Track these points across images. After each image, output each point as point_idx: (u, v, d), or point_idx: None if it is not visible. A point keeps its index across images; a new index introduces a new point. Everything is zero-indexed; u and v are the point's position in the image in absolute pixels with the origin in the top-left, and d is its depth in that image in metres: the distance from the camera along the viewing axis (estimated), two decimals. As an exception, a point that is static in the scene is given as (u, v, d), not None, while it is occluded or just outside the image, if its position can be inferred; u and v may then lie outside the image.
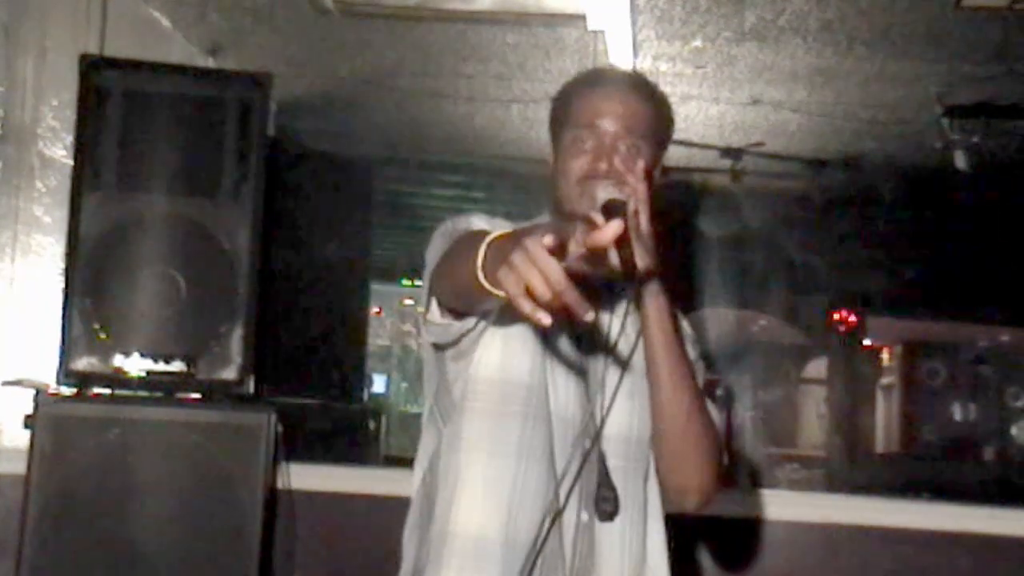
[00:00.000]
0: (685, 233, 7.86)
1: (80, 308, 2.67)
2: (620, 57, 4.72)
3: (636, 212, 1.73)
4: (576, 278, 1.52)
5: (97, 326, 2.67)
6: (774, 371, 9.20)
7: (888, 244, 7.76)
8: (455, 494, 1.78)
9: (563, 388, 1.81)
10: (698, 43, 5.07)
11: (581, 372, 1.83)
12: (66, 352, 2.67)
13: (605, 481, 1.79)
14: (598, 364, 1.84)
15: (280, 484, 2.91)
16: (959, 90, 5.68)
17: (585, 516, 1.79)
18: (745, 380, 8.85)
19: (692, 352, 1.90)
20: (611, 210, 1.71)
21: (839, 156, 7.08)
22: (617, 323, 1.84)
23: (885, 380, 8.22)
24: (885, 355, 8.29)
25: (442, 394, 1.84)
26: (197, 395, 2.75)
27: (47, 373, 2.72)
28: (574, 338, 1.83)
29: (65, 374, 2.67)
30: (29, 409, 2.64)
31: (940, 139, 6.07)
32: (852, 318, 8.30)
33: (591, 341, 1.85)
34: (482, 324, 1.76)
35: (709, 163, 7.12)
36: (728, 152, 6.93)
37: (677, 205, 7.63)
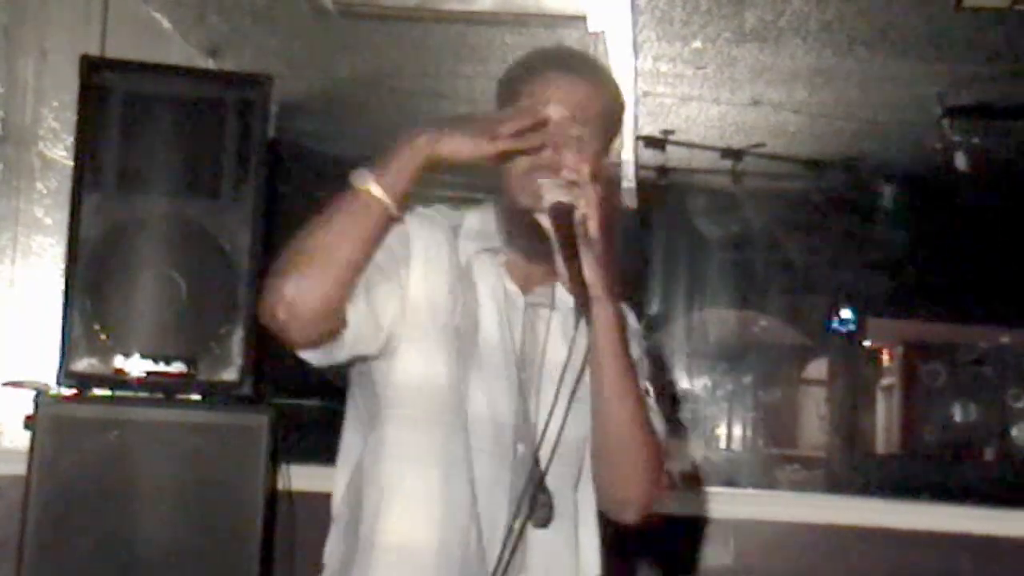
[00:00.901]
0: (686, 234, 7.87)
1: (80, 309, 2.67)
2: (620, 58, 4.72)
3: (584, 217, 1.67)
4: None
5: (97, 327, 2.67)
6: (774, 372, 9.21)
7: (888, 245, 7.77)
8: (381, 504, 1.72)
9: (494, 391, 1.74)
10: (698, 44, 5.07)
11: (515, 375, 1.76)
12: (66, 353, 2.67)
13: (541, 487, 1.72)
14: (535, 364, 1.77)
15: (280, 485, 2.91)
16: (959, 91, 5.68)
17: (517, 523, 1.71)
18: (746, 381, 8.86)
19: (636, 350, 1.82)
20: (559, 214, 1.67)
21: (839, 157, 7.08)
22: (557, 324, 1.79)
23: (885, 381, 8.23)
24: (885, 356, 8.30)
25: (367, 399, 1.78)
26: (197, 396, 2.74)
27: (47, 374, 2.72)
28: (509, 337, 1.76)
29: (65, 375, 2.67)
30: (30, 410, 2.64)
31: (940, 140, 6.07)
32: (852, 319, 8.30)
33: (528, 342, 1.78)
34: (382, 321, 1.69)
35: (709, 164, 7.13)
36: (728, 153, 6.94)
37: (677, 206, 7.65)
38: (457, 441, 1.71)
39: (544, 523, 1.73)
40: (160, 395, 2.71)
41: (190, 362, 2.70)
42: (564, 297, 1.76)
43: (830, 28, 4.83)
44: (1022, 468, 7.16)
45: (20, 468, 2.63)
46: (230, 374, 2.71)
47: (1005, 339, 7.69)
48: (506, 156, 1.69)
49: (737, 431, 8.80)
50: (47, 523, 2.59)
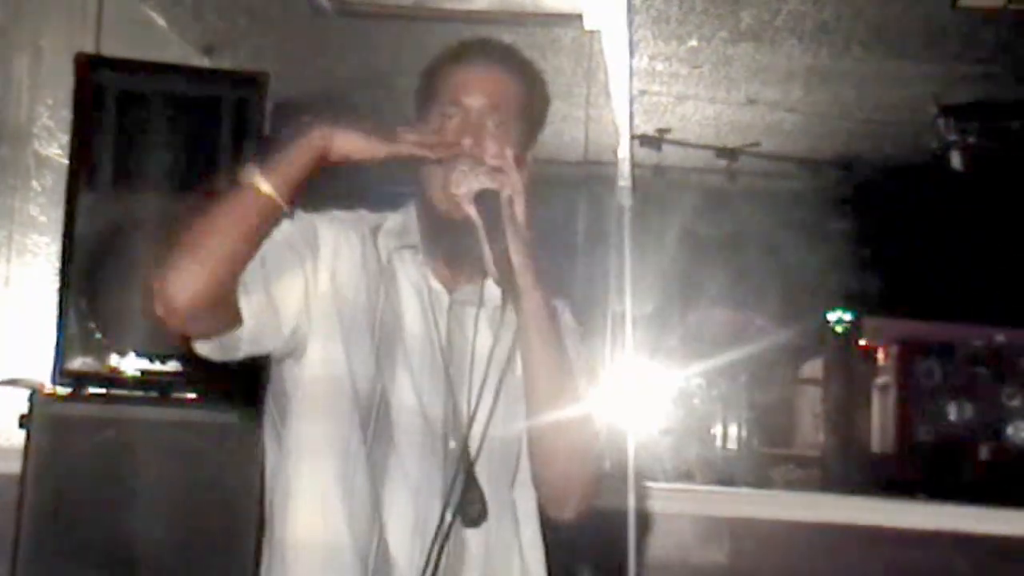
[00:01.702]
0: (681, 233, 7.87)
1: (76, 307, 2.67)
2: (616, 57, 4.72)
3: (511, 202, 1.66)
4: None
5: (92, 326, 2.67)
6: (770, 371, 9.21)
7: (884, 244, 7.77)
8: (288, 502, 1.69)
9: (422, 385, 1.71)
10: (694, 43, 5.07)
11: (442, 369, 1.73)
12: (62, 352, 2.67)
13: (471, 483, 1.67)
14: (464, 359, 1.74)
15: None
16: (955, 90, 5.69)
17: (448, 520, 1.65)
18: (741, 381, 8.86)
19: (573, 348, 1.78)
20: (484, 200, 1.66)
21: (835, 156, 7.09)
22: (485, 320, 1.76)
23: (881, 380, 8.23)
24: (881, 355, 8.30)
25: (277, 400, 1.75)
26: (192, 395, 2.74)
27: (43, 373, 2.72)
28: (434, 330, 1.74)
29: (61, 374, 2.67)
30: (25, 409, 2.64)
31: (936, 139, 6.07)
32: (848, 318, 8.31)
33: (456, 338, 1.75)
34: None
35: (705, 163, 7.13)
36: (724, 152, 6.94)
37: (673, 205, 7.65)
38: (363, 433, 1.68)
39: (475, 521, 1.69)
40: (155, 394, 2.70)
41: (185, 361, 2.69)
42: (492, 294, 1.74)
43: (826, 28, 4.84)
44: (1017, 466, 7.17)
45: (15, 467, 2.63)
46: (225, 372, 2.71)
47: (1000, 338, 7.71)
48: (404, 159, 1.70)
49: (732, 430, 8.79)
50: (42, 522, 2.59)
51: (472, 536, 1.70)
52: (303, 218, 1.72)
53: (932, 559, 3.22)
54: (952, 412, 7.42)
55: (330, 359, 1.69)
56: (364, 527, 1.67)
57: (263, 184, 1.61)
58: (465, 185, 1.67)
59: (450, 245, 1.74)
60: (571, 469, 1.73)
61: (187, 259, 1.60)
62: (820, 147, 6.95)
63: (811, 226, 7.95)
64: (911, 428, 7.62)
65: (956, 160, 6.11)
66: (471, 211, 1.66)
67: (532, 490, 1.77)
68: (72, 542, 2.60)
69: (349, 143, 1.65)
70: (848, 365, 8.44)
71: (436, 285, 1.76)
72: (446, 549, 1.65)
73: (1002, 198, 6.90)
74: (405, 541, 1.67)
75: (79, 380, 2.68)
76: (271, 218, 1.63)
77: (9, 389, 2.90)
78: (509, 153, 1.69)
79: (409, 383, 1.71)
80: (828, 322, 8.39)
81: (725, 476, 7.84)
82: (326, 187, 1.75)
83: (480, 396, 1.66)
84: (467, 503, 1.67)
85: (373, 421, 1.68)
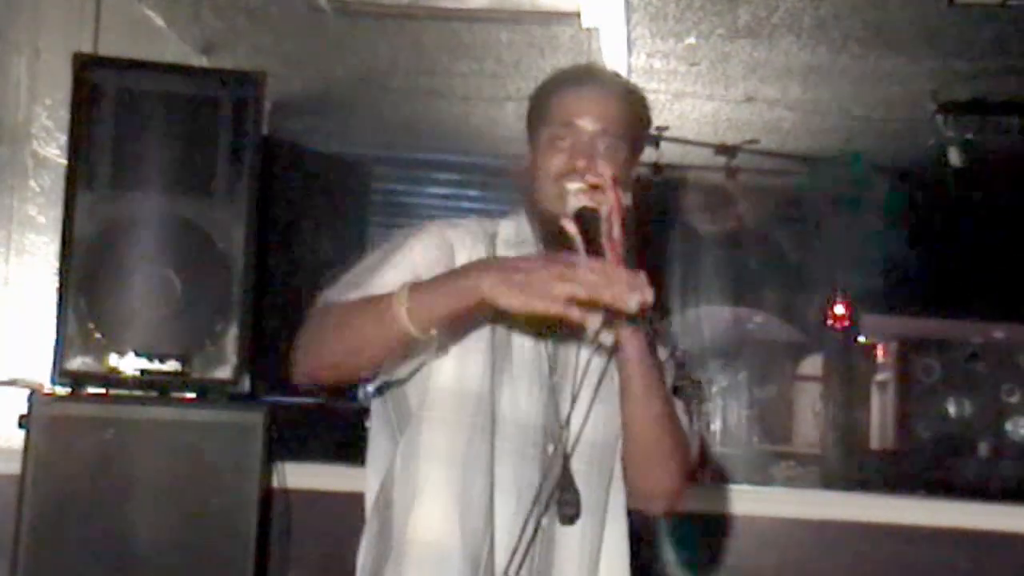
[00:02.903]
0: (680, 230, 7.87)
1: (75, 308, 2.67)
2: (614, 54, 4.72)
3: (609, 221, 1.72)
4: None
5: (92, 325, 2.67)
6: (769, 368, 9.22)
7: (883, 241, 7.77)
8: (414, 503, 1.78)
9: (524, 395, 1.80)
10: (692, 40, 5.08)
11: (547, 377, 1.82)
12: (61, 352, 2.66)
13: (568, 485, 1.79)
14: (567, 369, 1.83)
15: (275, 483, 2.91)
16: (952, 87, 5.69)
17: (545, 520, 1.78)
18: (740, 377, 8.87)
19: (663, 352, 1.89)
20: (583, 219, 1.72)
21: (833, 153, 7.09)
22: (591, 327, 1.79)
23: (880, 377, 8.24)
24: (880, 352, 8.31)
25: (398, 404, 1.83)
26: (192, 394, 2.74)
27: (42, 373, 2.72)
28: (543, 342, 1.82)
29: (60, 374, 2.67)
30: (24, 409, 2.64)
31: (934, 136, 6.08)
32: (847, 315, 8.31)
33: (563, 346, 1.84)
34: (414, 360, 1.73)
35: (703, 160, 7.13)
36: (722, 149, 6.94)
37: (672, 202, 7.65)
38: (482, 444, 1.77)
39: (570, 520, 1.79)
40: (154, 393, 2.70)
41: (184, 360, 2.70)
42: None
43: (824, 25, 4.84)
44: (1016, 463, 7.18)
45: (15, 467, 2.63)
46: (224, 372, 2.71)
47: (999, 334, 7.72)
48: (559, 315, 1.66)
49: (732, 427, 8.80)
50: (42, 521, 2.59)
51: (561, 533, 1.79)
52: (435, 232, 1.80)
53: (932, 555, 3.23)
54: (951, 408, 7.43)
55: (455, 373, 1.78)
56: (478, 533, 1.76)
57: (404, 318, 1.60)
58: (569, 202, 1.75)
59: (561, 250, 1.75)
60: (662, 467, 1.83)
61: (325, 346, 1.70)
62: (818, 144, 6.96)
63: (810, 223, 7.96)
64: (910, 424, 7.62)
65: (954, 156, 6.12)
66: (572, 228, 1.71)
67: (623, 496, 1.87)
68: (72, 542, 2.60)
69: (505, 298, 1.56)
70: (847, 362, 8.45)
71: None
72: (536, 547, 1.76)
73: (1000, 194, 6.90)
74: (511, 545, 1.75)
75: (78, 380, 2.68)
76: (411, 343, 1.65)
77: (9, 389, 2.90)
78: (608, 173, 1.75)
79: (516, 394, 1.79)
80: (827, 319, 8.39)
81: (725, 473, 7.85)
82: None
83: (576, 401, 1.76)
84: (564, 504, 1.78)
85: (487, 432, 1.77)
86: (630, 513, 1.89)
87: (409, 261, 1.76)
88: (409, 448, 1.80)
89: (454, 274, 1.64)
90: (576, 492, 1.79)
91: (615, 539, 1.87)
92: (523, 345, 1.81)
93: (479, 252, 1.80)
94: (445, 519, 1.76)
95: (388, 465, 1.82)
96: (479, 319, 1.75)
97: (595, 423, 1.83)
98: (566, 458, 1.79)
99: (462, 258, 1.78)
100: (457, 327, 1.71)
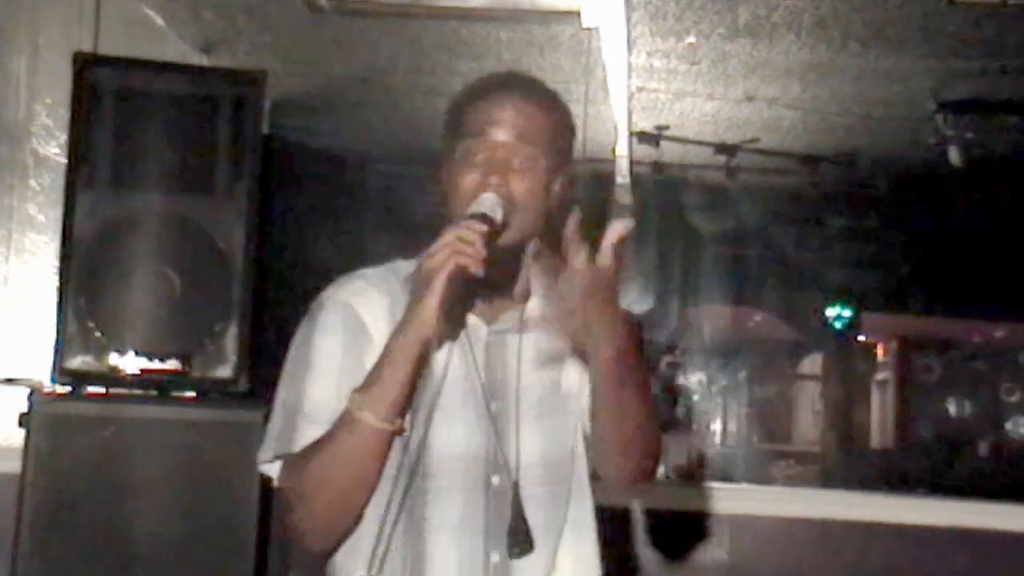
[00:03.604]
0: (680, 230, 7.87)
1: (75, 306, 2.67)
2: (614, 53, 4.72)
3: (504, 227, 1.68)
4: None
5: (92, 324, 2.67)
6: (769, 367, 9.22)
7: (882, 240, 7.78)
8: (345, 553, 1.73)
9: (460, 429, 1.71)
10: (692, 39, 5.07)
11: (484, 407, 1.73)
12: (61, 350, 2.66)
13: (517, 517, 1.70)
14: (508, 392, 1.75)
15: (275, 482, 2.90)
16: (953, 86, 5.69)
17: (496, 557, 1.70)
18: (740, 376, 8.87)
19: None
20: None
21: (833, 152, 7.08)
22: (529, 347, 1.76)
23: (880, 376, 8.25)
24: (880, 351, 8.32)
25: None
26: (192, 393, 2.74)
27: (42, 372, 2.72)
28: (475, 372, 1.74)
29: (60, 372, 2.67)
30: (24, 408, 2.64)
31: (934, 135, 6.07)
32: (847, 314, 8.31)
33: (499, 371, 1.75)
34: None
35: (703, 160, 7.12)
36: (722, 148, 6.94)
37: (672, 202, 7.66)
38: (396, 490, 1.68)
39: (518, 555, 1.70)
40: (154, 392, 2.70)
41: (184, 359, 2.69)
42: (533, 319, 1.76)
43: (824, 24, 4.83)
44: (1016, 462, 7.18)
45: (14, 466, 2.63)
46: (224, 371, 2.71)
47: (998, 334, 7.72)
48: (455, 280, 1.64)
49: (732, 426, 8.80)
50: (42, 520, 2.59)
51: (516, 567, 1.72)
52: (340, 312, 1.74)
53: (931, 554, 3.22)
54: (951, 407, 7.43)
55: None
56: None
57: (373, 422, 1.62)
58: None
59: (485, 279, 1.69)
60: (632, 446, 1.74)
61: (326, 522, 1.68)
62: (818, 143, 6.95)
63: (810, 222, 7.96)
64: (910, 423, 7.63)
65: (954, 155, 6.11)
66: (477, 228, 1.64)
67: (589, 501, 1.81)
68: (72, 541, 2.60)
69: (431, 326, 1.59)
70: (847, 361, 8.45)
71: (472, 320, 1.76)
72: None
73: (1000, 193, 6.90)
74: None
75: (78, 379, 2.68)
76: (388, 443, 1.65)
77: (8, 388, 2.90)
78: (522, 187, 1.70)
79: (450, 430, 1.71)
80: (827, 318, 8.40)
81: (724, 472, 7.85)
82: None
83: (518, 427, 1.71)
84: (512, 537, 1.70)
85: (410, 475, 1.69)
86: (606, 517, 1.83)
87: (328, 365, 1.71)
88: None
89: (387, 353, 1.62)
90: (524, 523, 1.70)
91: (581, 550, 1.79)
92: (452, 379, 1.72)
93: (384, 306, 1.73)
94: (371, 568, 1.68)
95: None
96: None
97: (544, 441, 1.75)
98: (515, 488, 1.70)
99: (363, 310, 1.73)
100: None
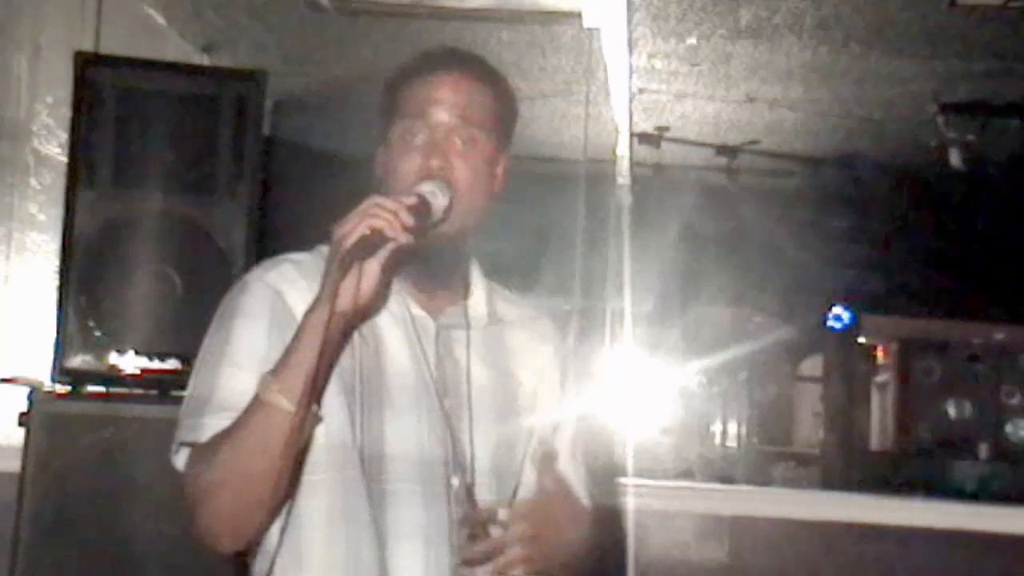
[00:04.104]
0: (681, 231, 7.87)
1: (75, 306, 2.67)
2: (615, 55, 4.72)
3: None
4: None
5: (92, 324, 2.67)
6: (769, 369, 9.21)
7: (883, 242, 7.78)
8: (300, 571, 1.59)
9: (413, 428, 1.59)
10: (693, 41, 5.07)
11: (436, 405, 1.61)
12: (61, 350, 2.66)
13: (475, 523, 1.57)
14: (460, 388, 1.64)
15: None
16: (954, 88, 5.69)
17: (458, 560, 1.57)
18: (740, 378, 8.86)
19: (555, 360, 1.75)
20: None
21: (834, 154, 7.09)
22: (477, 342, 1.67)
23: (880, 378, 8.23)
24: (880, 353, 8.30)
25: None
26: (192, 393, 2.74)
27: (42, 371, 2.72)
28: (425, 368, 1.63)
29: (60, 372, 2.67)
30: (24, 407, 2.64)
31: (935, 137, 6.07)
32: (847, 316, 8.31)
33: (449, 368, 1.65)
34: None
35: (704, 161, 7.13)
36: (723, 150, 6.94)
37: (673, 203, 7.65)
38: (358, 495, 1.57)
39: (482, 560, 1.56)
40: (154, 392, 2.70)
41: (184, 359, 2.69)
42: (479, 315, 1.69)
43: (825, 25, 4.84)
44: (1016, 464, 7.17)
45: (14, 465, 2.63)
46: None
47: (999, 335, 7.70)
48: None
49: (732, 428, 8.79)
50: (42, 520, 2.59)
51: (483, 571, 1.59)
52: (257, 290, 1.63)
53: (931, 557, 3.22)
54: (952, 410, 7.42)
55: (321, 429, 1.56)
56: None
57: (282, 401, 1.46)
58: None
59: (428, 269, 1.64)
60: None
61: (240, 507, 1.52)
62: (819, 145, 6.95)
63: (810, 224, 7.95)
64: (910, 426, 7.61)
65: (955, 158, 6.11)
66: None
67: None
68: (71, 540, 2.60)
69: (349, 299, 1.46)
70: (848, 363, 8.43)
71: (418, 311, 1.65)
72: None
73: (1001, 195, 6.90)
74: None
75: (78, 378, 2.68)
76: (301, 431, 1.49)
77: (8, 387, 2.90)
78: (464, 169, 1.61)
79: (403, 429, 1.60)
80: (828, 320, 8.39)
81: (725, 474, 7.84)
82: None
83: (471, 426, 1.61)
84: (471, 541, 1.57)
85: (360, 481, 1.57)
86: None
87: (248, 354, 1.57)
88: (288, 519, 1.58)
89: (300, 329, 1.48)
90: (484, 527, 1.56)
91: None
92: (399, 372, 1.61)
93: (313, 281, 1.55)
94: None
95: (265, 545, 1.62)
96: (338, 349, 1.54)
97: (495, 449, 1.64)
98: (470, 491, 1.59)
99: (293, 298, 1.59)
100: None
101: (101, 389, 2.70)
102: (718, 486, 3.53)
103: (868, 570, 3.25)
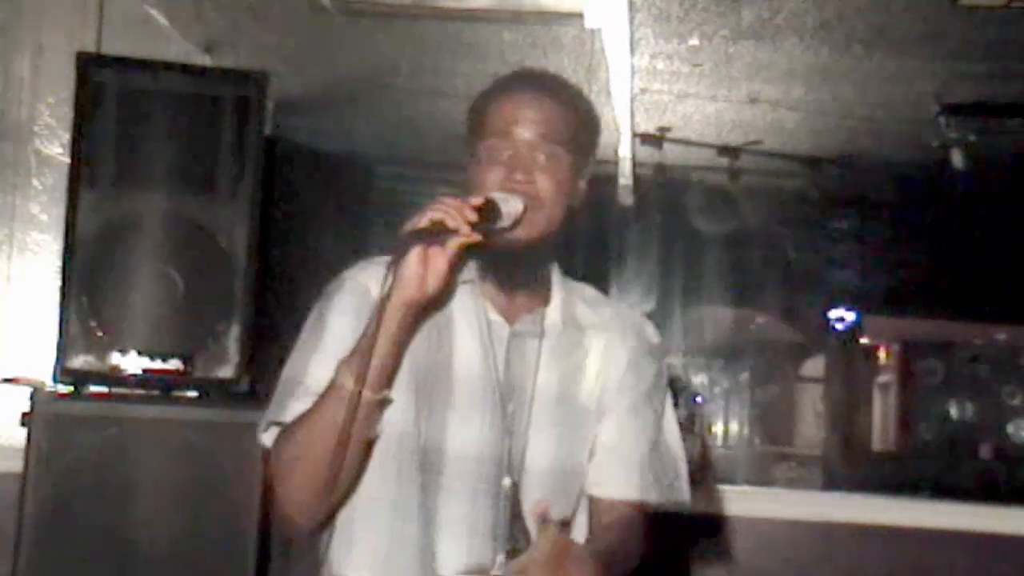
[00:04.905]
0: (683, 231, 7.87)
1: (77, 306, 2.67)
2: (617, 55, 4.72)
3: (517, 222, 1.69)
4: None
5: (94, 324, 2.67)
6: (771, 369, 9.21)
7: (885, 242, 7.77)
8: (351, 552, 1.72)
9: (474, 427, 1.71)
10: (695, 41, 5.07)
11: (499, 408, 1.73)
12: (63, 350, 2.67)
13: (517, 522, 1.70)
14: (524, 394, 1.74)
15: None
16: (956, 89, 5.68)
17: (502, 558, 1.69)
18: (742, 378, 8.86)
19: (653, 366, 1.82)
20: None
21: (836, 154, 7.08)
22: (548, 350, 1.76)
23: (882, 378, 8.22)
24: (882, 353, 8.29)
25: None
26: (194, 393, 2.74)
27: (44, 371, 2.72)
28: (494, 372, 1.74)
29: (62, 372, 2.67)
30: (26, 407, 2.64)
31: (937, 138, 6.07)
32: (849, 316, 8.31)
33: (516, 373, 1.75)
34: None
35: (706, 162, 7.12)
36: (725, 150, 6.93)
37: (675, 203, 7.66)
38: (410, 486, 1.69)
39: (516, 556, 1.63)
40: (156, 392, 2.71)
41: (186, 359, 2.70)
42: (553, 322, 1.77)
43: (827, 26, 4.83)
44: (1018, 465, 7.16)
45: (16, 465, 2.63)
46: (226, 371, 2.71)
47: (1001, 336, 7.70)
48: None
49: (733, 428, 8.79)
50: (43, 520, 2.60)
51: None
52: (349, 288, 1.73)
53: (933, 557, 3.22)
54: (954, 410, 7.41)
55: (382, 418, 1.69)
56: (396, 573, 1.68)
57: (351, 383, 1.56)
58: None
59: (507, 274, 1.74)
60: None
61: (311, 497, 1.63)
62: (822, 145, 6.95)
63: (812, 224, 7.95)
64: (912, 426, 7.61)
65: (957, 158, 6.11)
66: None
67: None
68: (73, 540, 2.60)
69: (414, 287, 1.56)
70: (849, 363, 8.43)
71: (495, 317, 1.76)
72: None
73: (1003, 196, 6.90)
74: None
75: (80, 378, 2.68)
76: (370, 416, 1.61)
77: (10, 387, 2.90)
78: (547, 184, 1.70)
79: (462, 427, 1.71)
80: (829, 320, 8.38)
81: (726, 474, 7.84)
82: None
83: (528, 430, 1.70)
84: (510, 538, 1.69)
85: (414, 473, 1.69)
86: None
87: (336, 345, 1.67)
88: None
89: (373, 318, 1.57)
90: (523, 524, 1.69)
91: None
92: (467, 375, 1.73)
93: None
94: (374, 564, 1.69)
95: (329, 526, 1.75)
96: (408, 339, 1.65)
97: (555, 450, 1.74)
98: (515, 492, 1.70)
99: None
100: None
101: (103, 389, 2.71)
102: (719, 486, 3.53)
103: (870, 571, 3.25)
